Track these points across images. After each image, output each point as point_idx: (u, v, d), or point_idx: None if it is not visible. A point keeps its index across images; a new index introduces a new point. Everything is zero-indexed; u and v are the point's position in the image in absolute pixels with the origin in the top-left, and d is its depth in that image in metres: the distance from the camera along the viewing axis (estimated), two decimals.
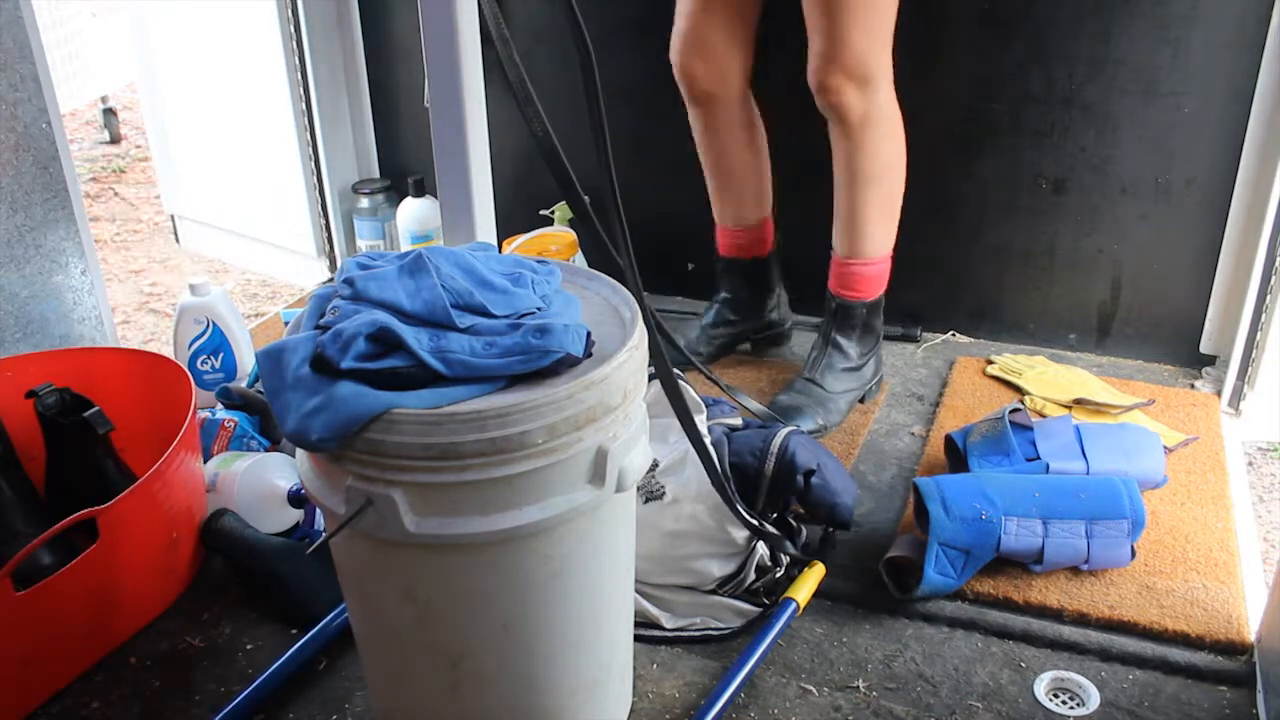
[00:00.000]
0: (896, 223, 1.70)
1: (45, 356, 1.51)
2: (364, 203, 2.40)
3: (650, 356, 1.01)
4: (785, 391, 1.74)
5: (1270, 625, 1.19)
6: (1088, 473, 1.46)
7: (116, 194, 3.67)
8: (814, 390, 1.72)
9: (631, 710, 1.17)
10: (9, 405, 1.41)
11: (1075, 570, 1.35)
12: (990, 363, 1.90)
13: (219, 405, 1.68)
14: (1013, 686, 1.20)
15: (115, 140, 4.16)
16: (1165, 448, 1.56)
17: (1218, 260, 1.82)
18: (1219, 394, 1.80)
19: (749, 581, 1.30)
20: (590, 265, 2.05)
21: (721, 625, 1.29)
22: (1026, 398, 1.76)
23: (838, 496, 1.35)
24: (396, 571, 0.95)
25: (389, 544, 0.92)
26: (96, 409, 1.37)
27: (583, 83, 1.10)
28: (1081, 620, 1.29)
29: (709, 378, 1.56)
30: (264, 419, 1.65)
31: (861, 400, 1.79)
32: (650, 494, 1.30)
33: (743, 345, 1.97)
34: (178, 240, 2.94)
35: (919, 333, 2.03)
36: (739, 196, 1.82)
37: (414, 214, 2.31)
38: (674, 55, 1.71)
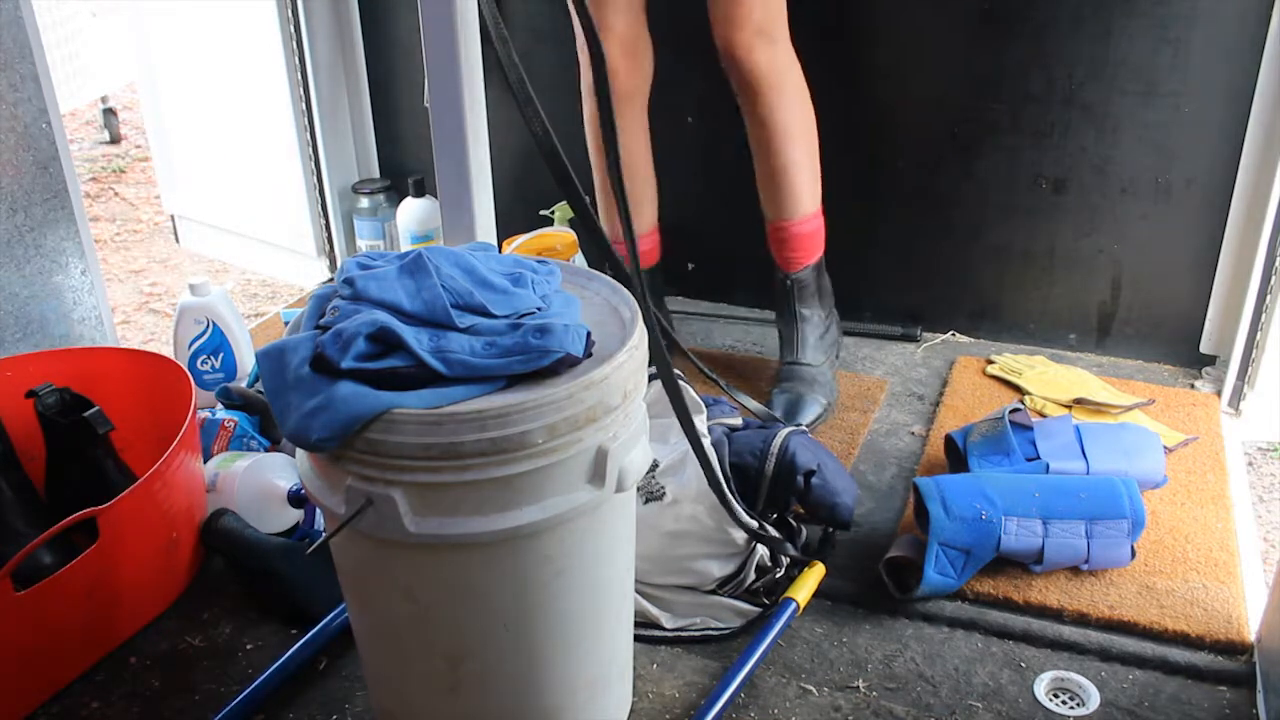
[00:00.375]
0: (819, 177, 1.71)
1: (45, 356, 1.51)
2: (364, 203, 2.40)
3: (650, 356, 1.01)
4: (776, 388, 1.74)
5: (1270, 625, 1.19)
6: (1088, 473, 1.46)
7: (116, 194, 3.67)
8: (803, 371, 1.73)
9: (631, 710, 1.17)
10: (9, 405, 1.41)
11: (1075, 570, 1.35)
12: (990, 363, 1.90)
13: (219, 405, 1.68)
14: (1013, 686, 1.20)
15: (115, 140, 4.16)
16: (1165, 448, 1.56)
17: (1218, 260, 1.81)
18: (1219, 394, 1.80)
19: (749, 582, 1.30)
20: (589, 265, 2.05)
21: (721, 625, 1.29)
22: (1026, 398, 1.76)
23: (838, 496, 1.35)
24: (396, 571, 0.95)
25: (389, 544, 0.92)
26: (96, 409, 1.37)
27: (594, 83, 1.10)
28: (1081, 620, 1.29)
29: (709, 376, 1.56)
30: (264, 419, 1.65)
31: (836, 358, 1.81)
32: (650, 494, 1.30)
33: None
34: (178, 240, 2.94)
35: (919, 333, 2.03)
36: (639, 202, 1.82)
37: (414, 214, 2.31)
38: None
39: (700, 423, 1.38)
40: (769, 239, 1.76)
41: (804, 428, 1.65)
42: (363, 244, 2.44)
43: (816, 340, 1.76)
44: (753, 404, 1.62)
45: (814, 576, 1.33)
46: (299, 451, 0.98)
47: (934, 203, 1.96)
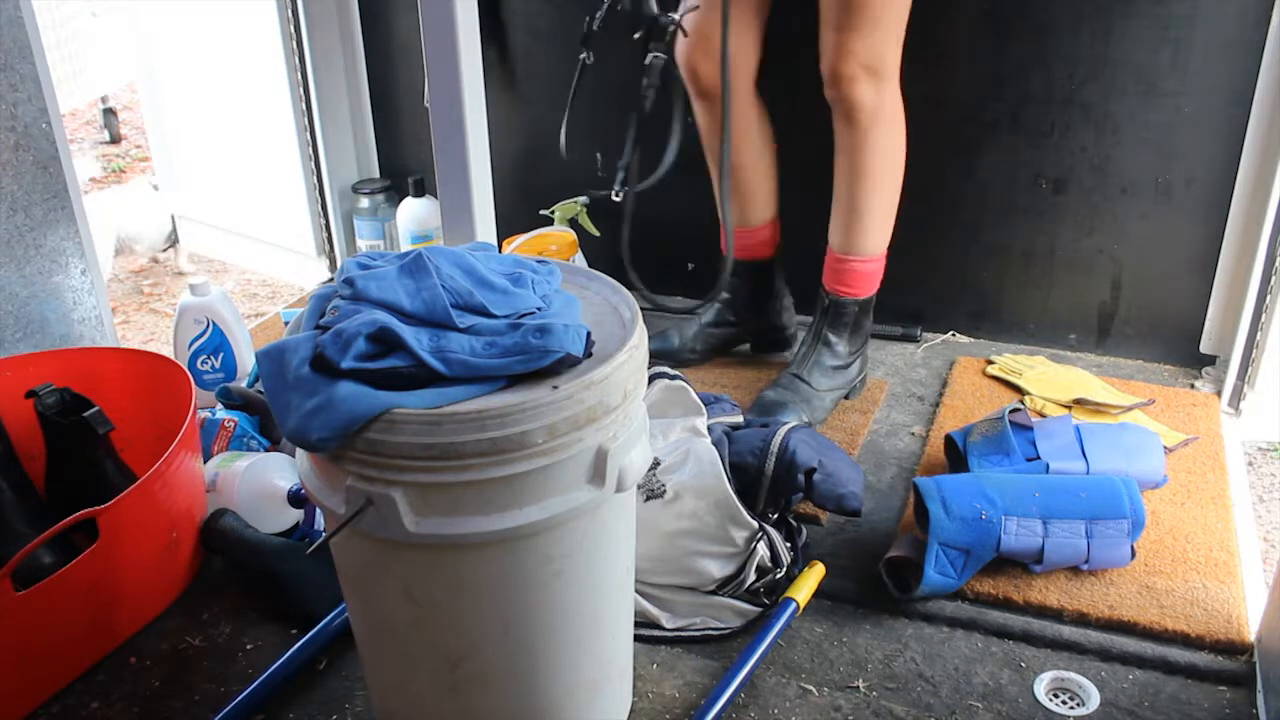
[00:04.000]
0: (893, 221, 1.71)
1: (45, 356, 1.51)
2: (364, 203, 2.40)
3: None
4: (771, 387, 1.74)
5: (1270, 625, 1.19)
6: (1088, 473, 1.46)
7: None
8: (800, 386, 1.72)
9: (631, 710, 1.17)
10: (9, 405, 1.41)
11: (1075, 570, 1.35)
12: (990, 363, 1.90)
13: (219, 405, 1.68)
14: (1013, 686, 1.20)
15: (115, 140, 4.16)
16: (1165, 448, 1.56)
17: (1218, 260, 1.82)
18: (1219, 394, 1.80)
19: (749, 582, 1.29)
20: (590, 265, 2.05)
21: (721, 625, 1.29)
22: (1026, 398, 1.76)
23: (843, 487, 1.36)
24: (396, 571, 0.95)
25: (389, 544, 0.92)
26: (96, 409, 1.37)
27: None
28: (1081, 620, 1.29)
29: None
30: (264, 419, 1.65)
31: (846, 397, 1.79)
32: (651, 492, 1.30)
33: (741, 346, 1.97)
34: (177, 240, 2.95)
35: (919, 333, 2.03)
36: (743, 196, 1.82)
37: (414, 214, 2.31)
38: (679, 51, 1.70)
39: (700, 423, 1.38)
40: (826, 263, 1.76)
41: (806, 423, 1.66)
42: (363, 244, 2.44)
43: (829, 368, 1.75)
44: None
45: (814, 576, 1.33)
46: (299, 451, 0.98)
47: (934, 203, 1.96)
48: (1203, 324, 1.87)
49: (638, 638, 1.21)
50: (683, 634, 1.28)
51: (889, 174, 1.66)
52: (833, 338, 1.75)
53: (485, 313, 0.94)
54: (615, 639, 1.08)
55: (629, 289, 1.04)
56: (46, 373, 1.45)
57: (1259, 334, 1.72)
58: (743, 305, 1.90)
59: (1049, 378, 1.81)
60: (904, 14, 1.57)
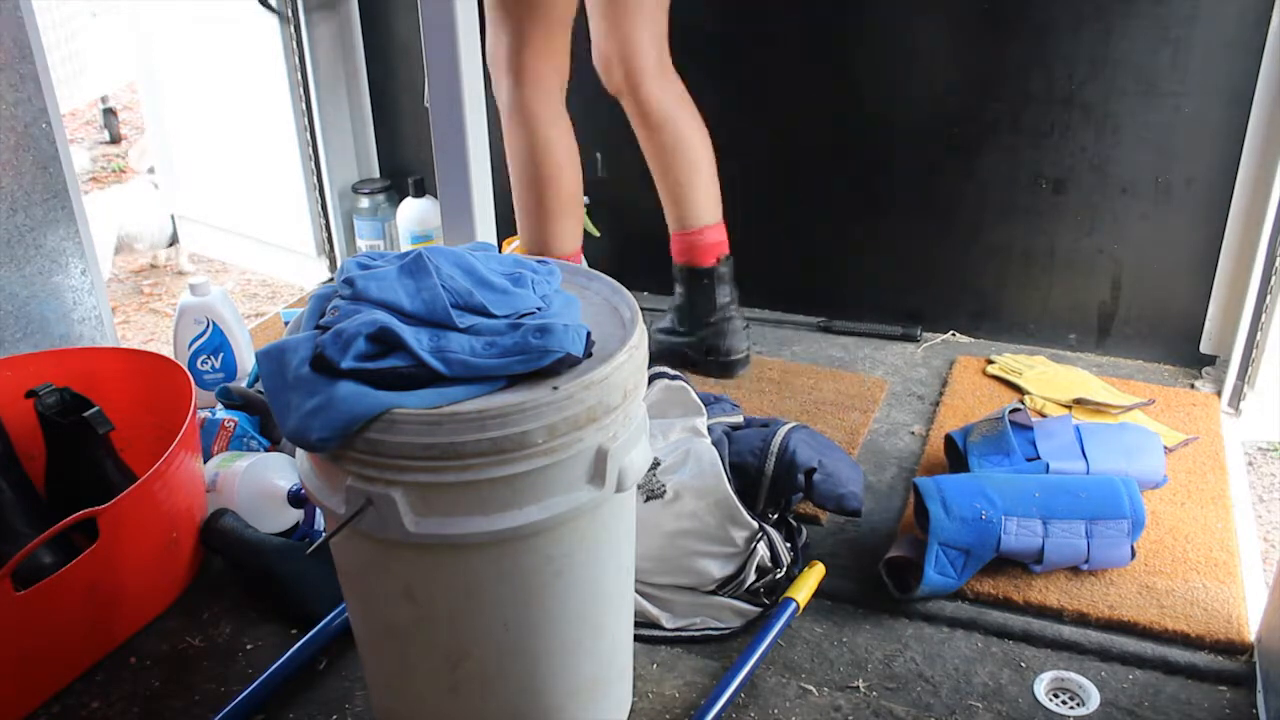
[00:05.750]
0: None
1: (45, 356, 1.51)
2: (364, 203, 2.40)
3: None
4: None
5: (1270, 625, 1.19)
6: (1088, 473, 1.46)
7: None
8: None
9: (631, 710, 1.17)
10: (9, 405, 1.41)
11: (1075, 570, 1.35)
12: (990, 363, 1.90)
13: (219, 405, 1.68)
14: (1013, 686, 1.20)
15: (115, 140, 4.16)
16: (1165, 448, 1.56)
17: (1218, 260, 1.82)
18: (1219, 394, 1.80)
19: (749, 582, 1.29)
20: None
21: (721, 625, 1.29)
22: (1026, 398, 1.76)
23: (843, 487, 1.36)
24: (396, 571, 0.95)
25: (389, 544, 0.92)
26: (96, 409, 1.37)
27: None
28: (1081, 620, 1.29)
29: None
30: (264, 419, 1.65)
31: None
32: (651, 492, 1.30)
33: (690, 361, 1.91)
34: (177, 240, 2.94)
35: (919, 333, 2.03)
36: (664, 199, 1.83)
37: (414, 214, 2.31)
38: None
39: (700, 423, 1.38)
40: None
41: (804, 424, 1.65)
42: (363, 244, 2.44)
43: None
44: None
45: (814, 576, 1.33)
46: (299, 451, 0.98)
47: (934, 203, 1.96)
48: (1203, 324, 1.87)
49: (638, 638, 1.21)
50: (683, 634, 1.28)
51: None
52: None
53: (485, 313, 0.94)
54: (615, 639, 1.08)
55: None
56: (46, 373, 1.45)
57: (1259, 334, 1.72)
58: (685, 314, 1.88)
59: (1049, 378, 1.81)
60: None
